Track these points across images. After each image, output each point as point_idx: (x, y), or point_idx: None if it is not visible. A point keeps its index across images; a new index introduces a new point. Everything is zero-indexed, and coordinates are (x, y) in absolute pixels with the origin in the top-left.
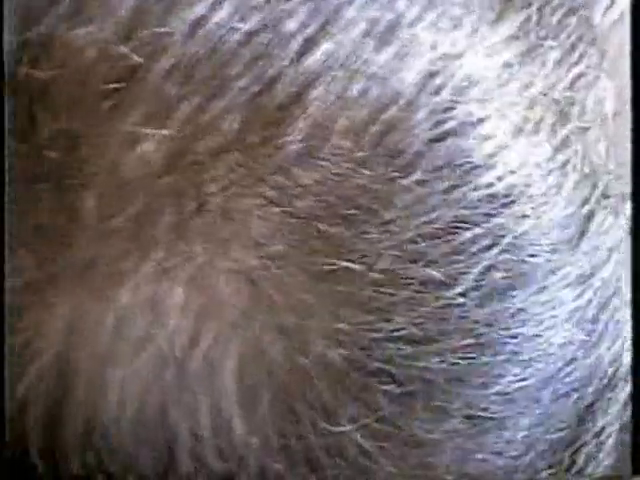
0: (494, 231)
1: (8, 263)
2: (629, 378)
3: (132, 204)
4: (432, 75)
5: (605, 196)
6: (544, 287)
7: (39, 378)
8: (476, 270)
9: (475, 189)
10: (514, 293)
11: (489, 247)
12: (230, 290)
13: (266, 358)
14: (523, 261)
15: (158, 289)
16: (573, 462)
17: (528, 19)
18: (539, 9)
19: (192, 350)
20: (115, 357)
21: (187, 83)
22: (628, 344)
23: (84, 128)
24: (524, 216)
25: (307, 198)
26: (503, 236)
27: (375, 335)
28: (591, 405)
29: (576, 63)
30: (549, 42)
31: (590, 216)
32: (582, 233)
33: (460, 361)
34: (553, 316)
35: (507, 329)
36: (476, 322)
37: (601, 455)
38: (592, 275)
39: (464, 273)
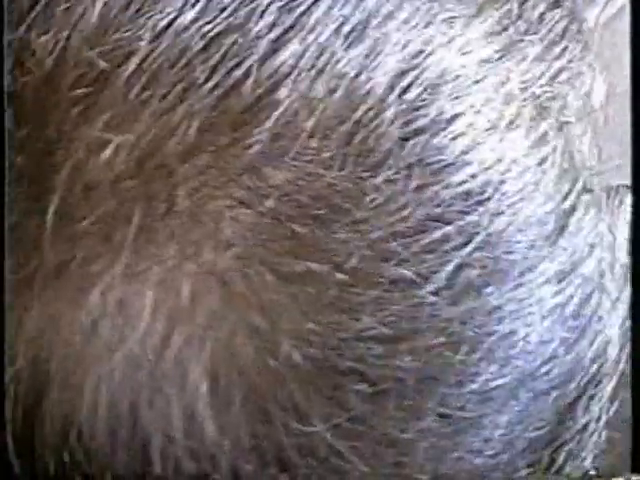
0: (467, 229)
1: None
2: (615, 373)
3: (100, 207)
4: (403, 73)
5: (587, 191)
6: (521, 284)
7: (16, 380)
8: (448, 268)
9: (448, 187)
10: (489, 290)
11: (462, 245)
12: (201, 292)
13: (237, 359)
14: (499, 258)
15: (128, 291)
16: (553, 460)
17: (509, 13)
18: (521, 3)
19: (163, 352)
20: (88, 359)
21: (153, 87)
22: (612, 338)
23: (53, 134)
24: (499, 213)
25: (277, 198)
26: (477, 233)
27: (345, 335)
28: (572, 403)
29: (558, 57)
30: (530, 37)
31: (570, 212)
32: (562, 229)
33: (433, 360)
34: (531, 313)
35: (482, 327)
36: (449, 320)
37: (583, 453)
38: (572, 271)
39: (436, 272)
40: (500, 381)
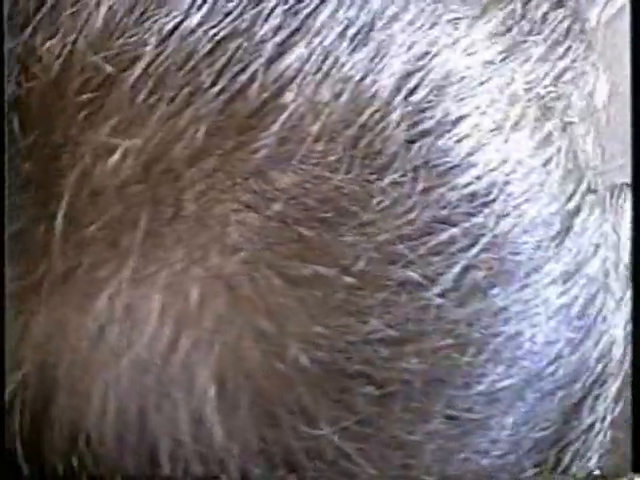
0: (473, 231)
1: None
2: (620, 373)
3: (107, 212)
4: (408, 75)
5: (591, 191)
6: (527, 285)
7: (23, 385)
8: (455, 270)
9: (453, 189)
10: (495, 292)
11: (468, 247)
12: (208, 296)
13: (244, 363)
14: (504, 259)
15: (135, 296)
16: (559, 460)
17: (512, 14)
18: (524, 3)
19: (171, 356)
20: (95, 364)
21: (159, 91)
22: (617, 339)
23: (59, 140)
24: (505, 214)
25: (283, 202)
26: (483, 235)
27: (352, 338)
28: (578, 403)
29: (561, 57)
30: (533, 37)
31: (575, 212)
32: (567, 229)
33: (440, 362)
34: (537, 314)
35: (489, 328)
36: (456, 322)
37: (588, 453)
38: (577, 271)
39: (442, 274)
40: (507, 382)
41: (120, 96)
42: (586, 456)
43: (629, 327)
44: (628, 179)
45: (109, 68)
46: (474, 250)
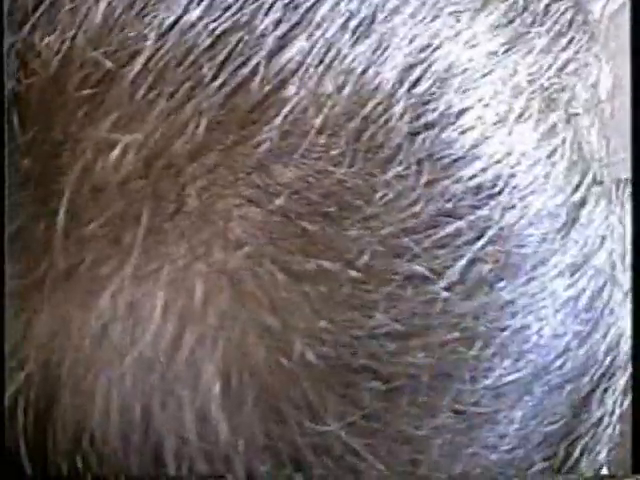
0: (479, 223)
1: None
2: (628, 366)
3: (109, 208)
4: (411, 67)
5: (597, 182)
6: (533, 278)
7: (27, 385)
8: (461, 263)
9: (458, 181)
10: (502, 285)
11: (474, 240)
12: (212, 291)
13: (249, 359)
14: (510, 252)
15: (138, 293)
16: (568, 455)
17: (514, 5)
18: None
19: (175, 353)
20: (99, 362)
21: (159, 86)
22: (624, 331)
23: (59, 136)
24: (510, 207)
25: (286, 196)
26: (489, 228)
27: (358, 332)
28: (586, 396)
29: (564, 49)
30: (536, 29)
31: (581, 204)
32: (573, 221)
33: (447, 356)
34: (544, 307)
35: (495, 321)
36: (462, 316)
37: (598, 447)
38: (584, 264)
39: (448, 267)
40: (514, 376)
41: (120, 92)
42: (595, 450)
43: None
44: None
45: (109, 64)
46: (480, 243)
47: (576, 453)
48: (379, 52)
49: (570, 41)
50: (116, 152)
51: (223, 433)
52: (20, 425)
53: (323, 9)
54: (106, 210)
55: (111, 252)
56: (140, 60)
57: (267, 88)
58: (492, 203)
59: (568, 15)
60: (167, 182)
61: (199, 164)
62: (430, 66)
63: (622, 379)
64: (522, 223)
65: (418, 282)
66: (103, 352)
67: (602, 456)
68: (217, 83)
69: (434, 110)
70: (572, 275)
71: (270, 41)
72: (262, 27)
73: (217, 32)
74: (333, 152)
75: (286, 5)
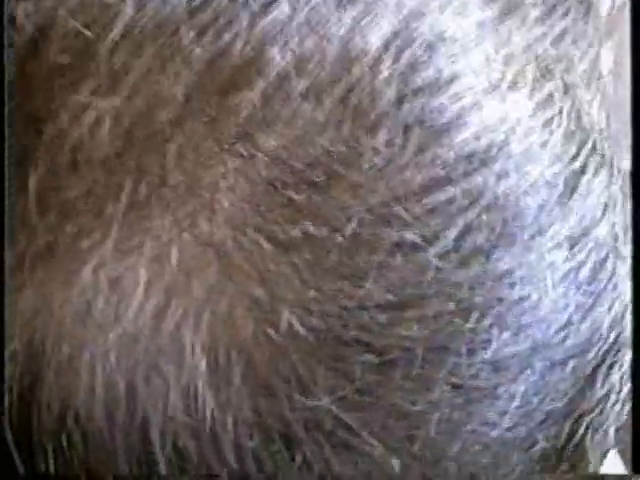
0: (473, 191)
1: None
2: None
3: (88, 178)
4: (398, 34)
5: (596, 152)
6: (531, 248)
7: (11, 363)
8: (454, 231)
9: (450, 148)
10: (498, 255)
11: (467, 207)
12: (197, 265)
13: (236, 333)
14: (507, 221)
15: (121, 268)
16: (573, 432)
17: None
18: None
19: (159, 328)
20: (82, 339)
21: (138, 53)
22: (630, 305)
23: (38, 103)
24: (505, 174)
25: (271, 166)
26: (483, 195)
27: (348, 303)
28: (591, 373)
29: (561, 18)
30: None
31: (580, 173)
32: (572, 191)
33: (442, 327)
34: (542, 278)
35: (492, 292)
36: (457, 286)
37: (604, 426)
38: (584, 235)
39: (440, 234)
40: (513, 349)
41: (98, 59)
42: (602, 429)
43: None
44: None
45: (87, 32)
46: (474, 211)
47: (581, 430)
48: (365, 18)
49: (567, 11)
50: (91, 117)
51: (210, 409)
52: (6, 403)
53: None
54: (86, 179)
55: (92, 225)
56: (119, 27)
57: (249, 53)
58: (486, 170)
59: None
60: (149, 153)
61: (182, 134)
62: (418, 33)
63: (628, 354)
64: (518, 192)
65: (408, 250)
66: (86, 328)
67: (610, 436)
68: (198, 48)
69: (423, 76)
70: (572, 247)
71: (253, 5)
72: None
73: None
74: (318, 119)
75: None
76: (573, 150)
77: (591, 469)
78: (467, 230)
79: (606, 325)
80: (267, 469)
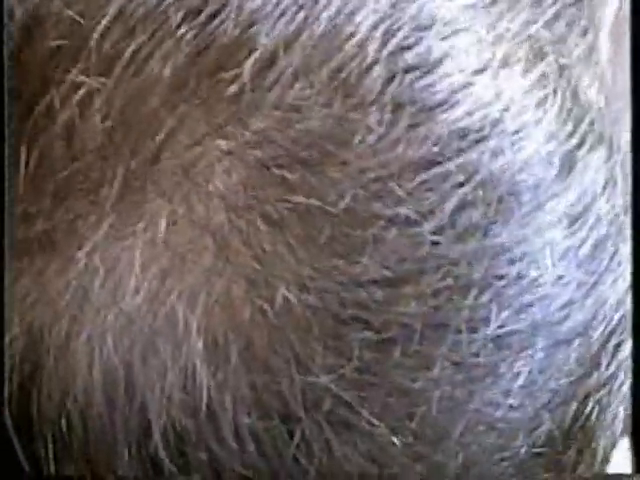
0: (467, 167)
1: None
2: None
3: (81, 161)
4: (387, 15)
5: (594, 129)
6: (528, 224)
7: (11, 350)
8: (448, 206)
9: (443, 125)
10: (495, 231)
11: (462, 183)
12: (195, 248)
13: (233, 313)
14: (502, 198)
15: (116, 251)
16: (580, 412)
17: None
18: None
19: (156, 310)
20: (79, 322)
21: (129, 37)
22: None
23: (30, 87)
24: (500, 151)
25: (264, 146)
26: (477, 172)
27: (343, 279)
28: (597, 352)
29: (551, 6)
30: None
31: (577, 149)
32: (569, 168)
33: (441, 304)
34: (542, 256)
35: (491, 269)
36: (455, 262)
37: (612, 406)
38: (584, 212)
39: (435, 209)
40: (514, 326)
41: (90, 43)
42: (609, 410)
43: None
44: None
45: (79, 18)
46: (468, 186)
47: (587, 411)
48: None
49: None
50: (82, 92)
51: (207, 388)
52: (6, 393)
53: None
54: (78, 163)
55: (88, 209)
56: (111, 13)
57: (238, 33)
58: (480, 147)
59: None
60: (142, 136)
61: (173, 116)
62: (408, 15)
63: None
64: (514, 168)
65: (402, 225)
66: (83, 312)
67: (619, 419)
68: (187, 29)
69: (413, 54)
70: (571, 224)
71: None
72: None
73: None
74: (308, 97)
75: None
76: (570, 127)
77: (599, 457)
78: (462, 205)
79: (610, 304)
80: (265, 448)
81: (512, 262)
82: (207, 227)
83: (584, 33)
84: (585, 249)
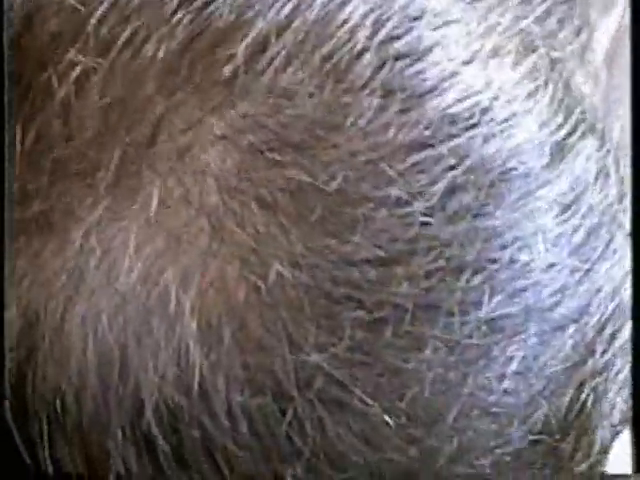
0: (458, 151)
1: None
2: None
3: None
4: (378, 6)
5: (587, 122)
6: (519, 208)
7: (8, 332)
8: (438, 187)
9: (433, 110)
10: (487, 214)
11: (452, 167)
12: (190, 230)
13: (227, 294)
14: (494, 183)
15: (112, 232)
16: (577, 399)
17: None
18: None
19: (150, 290)
20: (74, 303)
21: (124, 22)
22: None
23: (29, 70)
24: (490, 138)
25: (257, 130)
26: (468, 156)
27: (335, 257)
28: (592, 339)
29: (543, 1)
30: None
31: (568, 138)
32: (560, 156)
33: (433, 285)
34: (534, 241)
35: (483, 252)
36: (447, 243)
37: (610, 394)
38: (576, 200)
39: (425, 190)
40: (506, 310)
41: (87, 28)
42: (606, 398)
43: None
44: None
45: (79, 6)
46: (459, 170)
47: (583, 397)
48: None
49: None
50: (77, 70)
51: (200, 367)
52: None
53: None
54: (75, 141)
55: (84, 191)
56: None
57: (231, 19)
58: (471, 133)
59: None
60: (138, 120)
61: (170, 102)
62: (398, 7)
63: (629, 324)
64: (504, 154)
65: (393, 205)
66: (78, 292)
67: (617, 408)
68: (182, 16)
69: (403, 42)
70: (564, 211)
71: None
72: None
73: None
74: (300, 82)
75: None
76: (561, 117)
77: (597, 447)
78: (453, 188)
79: (606, 291)
80: (258, 426)
81: (504, 246)
82: (202, 209)
83: (577, 32)
84: (578, 237)
